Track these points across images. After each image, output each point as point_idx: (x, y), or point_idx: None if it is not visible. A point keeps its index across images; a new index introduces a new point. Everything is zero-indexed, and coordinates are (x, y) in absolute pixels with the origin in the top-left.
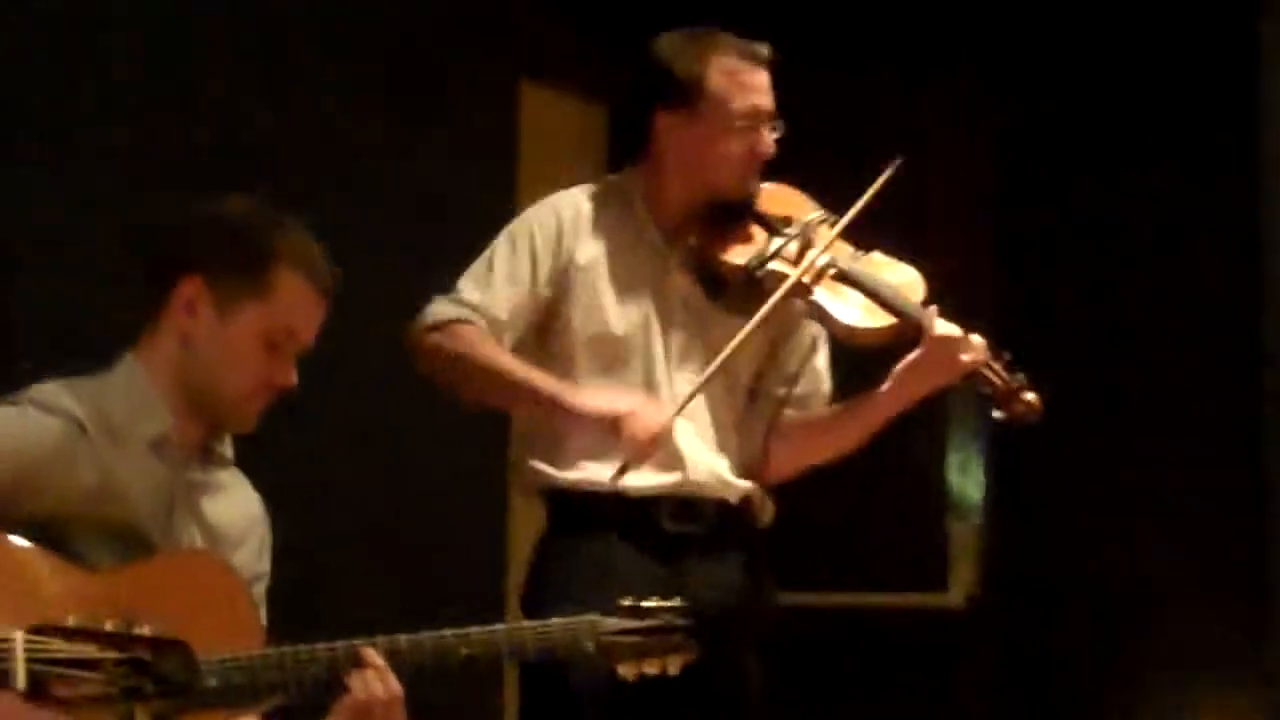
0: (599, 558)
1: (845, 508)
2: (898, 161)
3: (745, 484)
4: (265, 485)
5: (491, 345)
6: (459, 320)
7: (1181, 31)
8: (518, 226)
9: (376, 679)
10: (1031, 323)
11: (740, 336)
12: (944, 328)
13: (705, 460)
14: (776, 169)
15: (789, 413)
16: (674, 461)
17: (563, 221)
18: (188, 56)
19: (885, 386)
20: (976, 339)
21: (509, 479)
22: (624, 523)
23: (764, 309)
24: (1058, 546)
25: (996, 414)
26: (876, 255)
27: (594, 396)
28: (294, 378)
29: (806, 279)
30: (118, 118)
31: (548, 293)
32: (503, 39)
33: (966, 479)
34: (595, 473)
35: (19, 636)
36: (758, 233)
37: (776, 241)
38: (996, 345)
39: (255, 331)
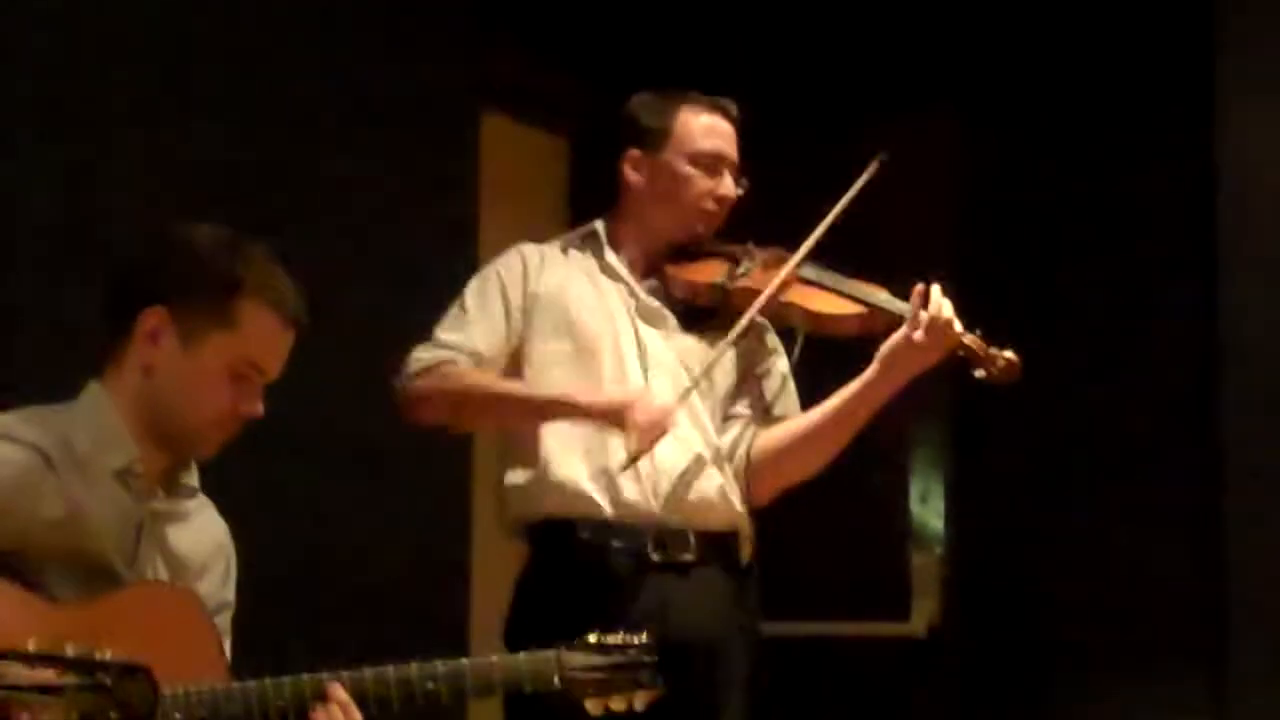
0: (579, 590)
1: (807, 538)
2: (875, 164)
3: (731, 510)
4: (225, 514)
5: (480, 374)
6: (442, 361)
7: (1139, 63)
8: (485, 271)
9: (340, 714)
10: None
11: (734, 332)
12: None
13: (688, 484)
14: (744, 210)
15: (765, 433)
16: (658, 482)
17: (527, 263)
18: (149, 81)
19: (873, 371)
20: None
21: (471, 510)
22: (608, 554)
23: (751, 310)
24: (1019, 576)
25: (979, 374)
26: (838, 274)
27: (597, 392)
28: (260, 408)
29: (778, 284)
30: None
31: (519, 326)
32: (464, 70)
33: (928, 509)
34: (577, 504)
35: None
36: (719, 262)
37: (744, 264)
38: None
39: (219, 363)
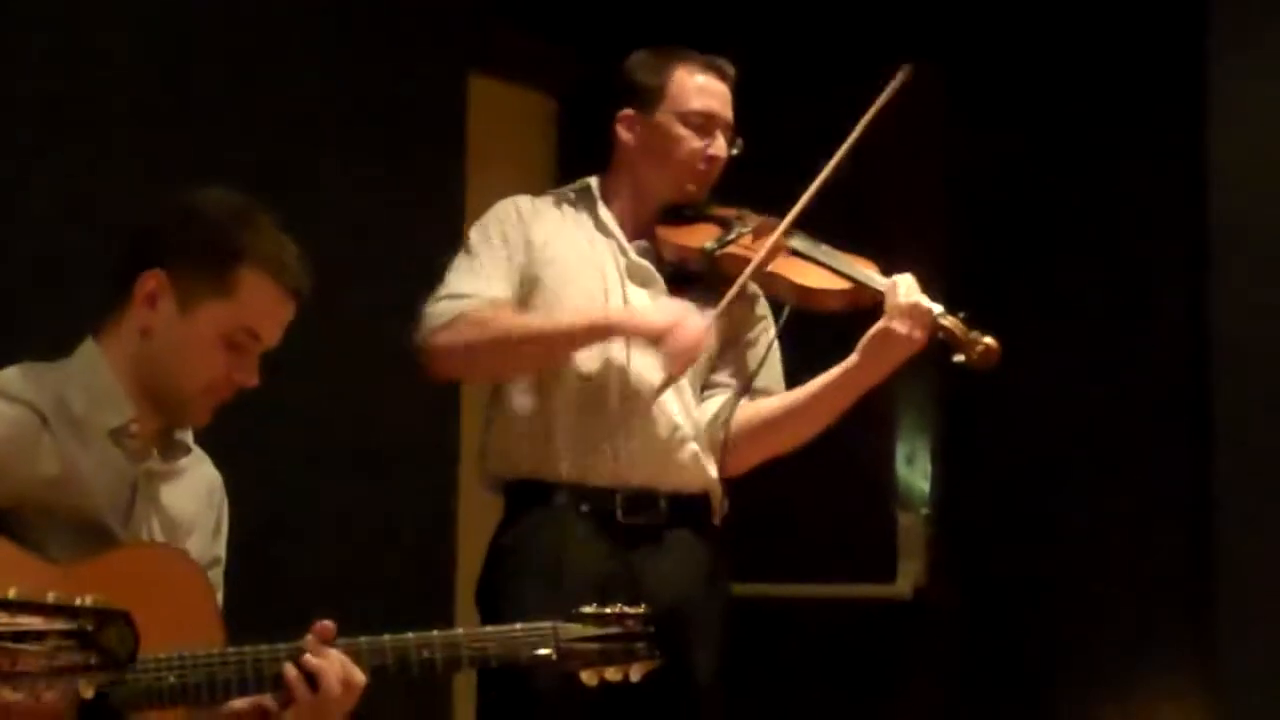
0: (551, 548)
1: (793, 499)
2: (850, 144)
3: (704, 472)
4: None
5: (507, 315)
6: (466, 311)
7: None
8: (483, 221)
9: (339, 666)
10: (983, 311)
11: (732, 291)
12: (903, 295)
13: (660, 441)
14: (736, 182)
15: (747, 403)
16: (631, 445)
17: (520, 210)
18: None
19: (854, 360)
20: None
21: (458, 475)
22: (577, 513)
23: (746, 272)
24: (1006, 537)
25: (958, 358)
26: (829, 246)
27: (632, 312)
28: (255, 378)
29: (765, 254)
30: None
31: (521, 269)
32: (450, 32)
33: (914, 470)
34: (550, 464)
35: None
36: (710, 226)
37: (734, 230)
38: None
39: (215, 330)
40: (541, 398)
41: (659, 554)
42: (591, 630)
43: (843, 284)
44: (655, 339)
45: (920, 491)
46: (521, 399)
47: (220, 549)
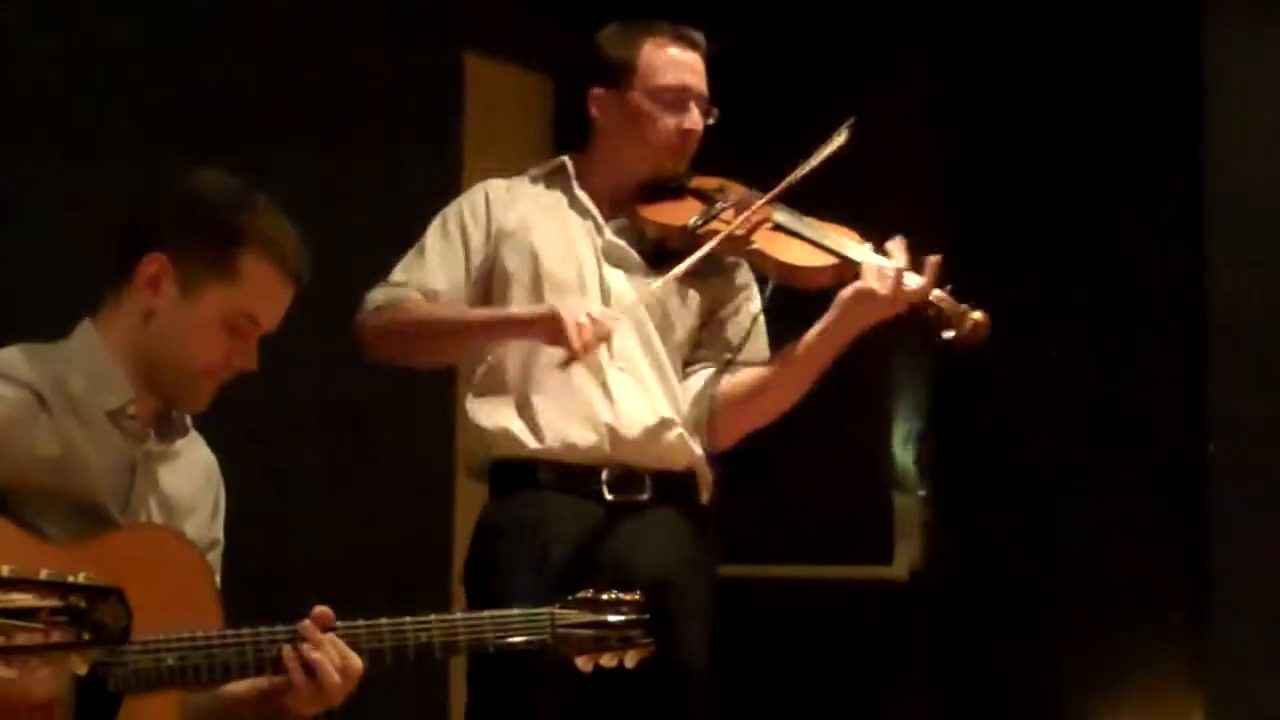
0: (536, 527)
1: (790, 480)
2: (847, 125)
3: (689, 450)
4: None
5: (429, 306)
6: (396, 299)
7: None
8: (447, 210)
9: (334, 652)
10: (975, 298)
11: (688, 262)
12: (884, 261)
13: (643, 425)
14: (725, 156)
15: (731, 378)
16: (611, 423)
17: (490, 199)
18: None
19: (828, 316)
20: (917, 277)
21: (456, 466)
22: (562, 491)
23: (710, 243)
24: (1002, 519)
25: (946, 334)
26: (813, 219)
27: (526, 305)
28: (254, 361)
29: (744, 230)
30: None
31: (483, 260)
32: (446, 12)
33: (910, 452)
34: (533, 445)
35: None
36: (694, 202)
37: (716, 205)
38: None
39: (217, 314)
40: (521, 379)
41: (644, 531)
42: (587, 616)
43: (827, 259)
44: (549, 327)
45: (917, 473)
46: (499, 380)
47: (218, 531)
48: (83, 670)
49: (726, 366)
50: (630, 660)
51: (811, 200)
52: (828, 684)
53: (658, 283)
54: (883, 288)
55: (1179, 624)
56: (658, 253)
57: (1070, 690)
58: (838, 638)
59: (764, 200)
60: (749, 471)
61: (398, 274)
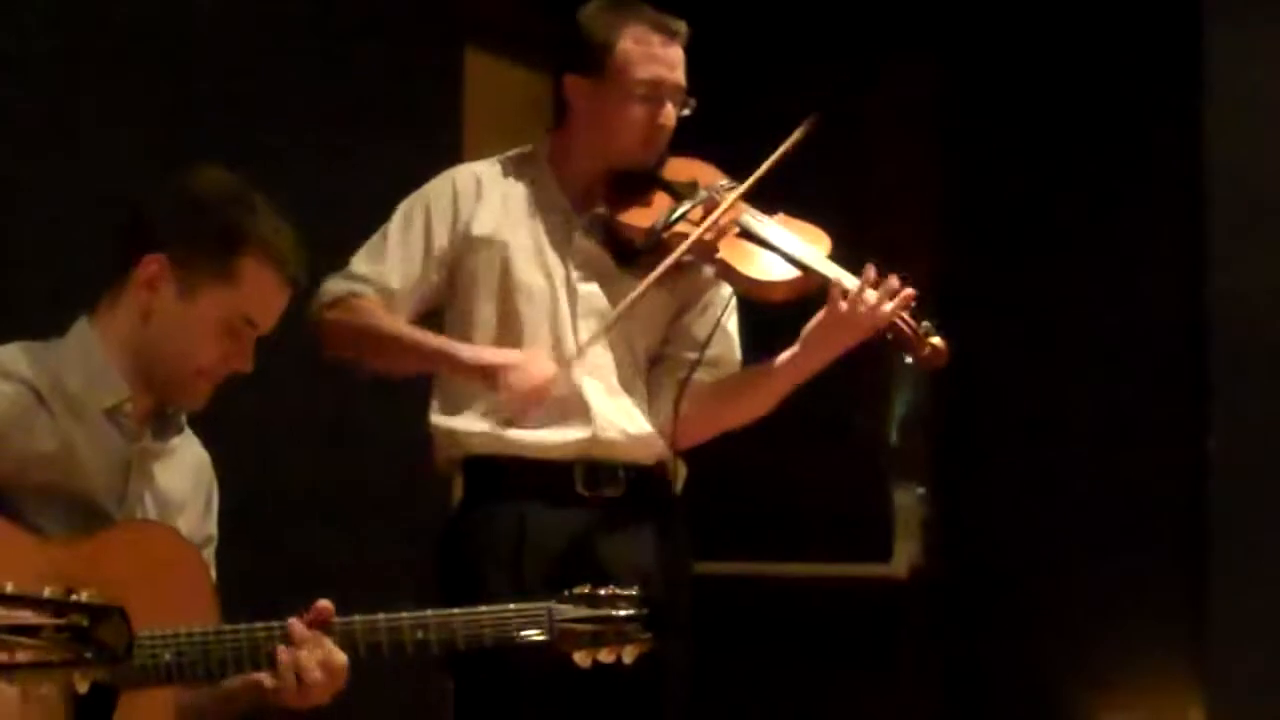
0: (512, 525)
1: (790, 478)
2: (810, 120)
3: (659, 448)
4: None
5: (383, 314)
6: (351, 294)
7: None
8: (412, 200)
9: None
10: (976, 296)
11: (640, 288)
12: (850, 281)
13: (615, 419)
14: (725, 156)
15: (699, 377)
16: (583, 418)
17: (458, 191)
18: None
19: (796, 349)
20: (877, 293)
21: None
22: (537, 488)
23: (665, 262)
24: (1002, 517)
25: (907, 359)
26: (781, 216)
27: (479, 350)
28: (250, 363)
29: (709, 236)
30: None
31: (444, 259)
32: (446, 7)
33: (911, 450)
34: (507, 437)
35: None
36: (663, 198)
37: (683, 205)
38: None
39: (214, 316)
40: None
41: (619, 524)
42: (585, 612)
43: (790, 273)
44: (489, 379)
45: (917, 472)
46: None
47: (212, 527)
48: (84, 688)
49: (694, 366)
50: (628, 655)
51: (812, 200)
52: (827, 682)
53: (623, 304)
54: (849, 310)
55: (1179, 624)
56: (623, 252)
57: (1070, 689)
58: (838, 636)
59: (730, 200)
60: (746, 466)
61: (358, 264)
